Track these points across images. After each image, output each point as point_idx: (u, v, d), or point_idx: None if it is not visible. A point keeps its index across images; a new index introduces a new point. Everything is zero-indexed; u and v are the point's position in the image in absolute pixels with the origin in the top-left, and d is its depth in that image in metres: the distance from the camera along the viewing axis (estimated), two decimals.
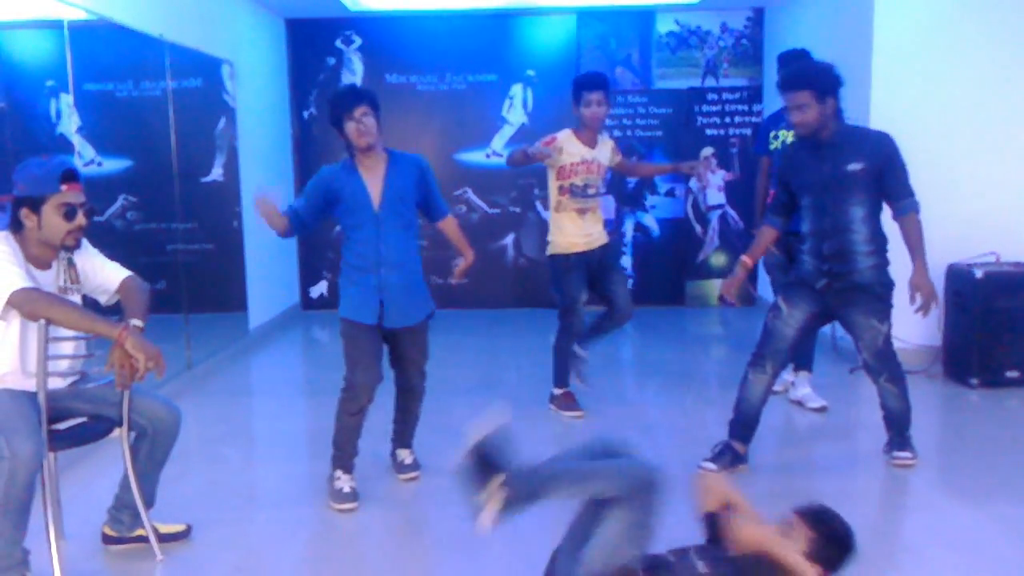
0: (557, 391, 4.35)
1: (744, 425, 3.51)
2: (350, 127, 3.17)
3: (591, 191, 4.14)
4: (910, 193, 3.35)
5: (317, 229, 3.45)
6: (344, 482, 3.28)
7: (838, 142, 3.35)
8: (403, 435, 3.65)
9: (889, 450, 3.57)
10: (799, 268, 3.53)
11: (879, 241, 3.40)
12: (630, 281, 7.33)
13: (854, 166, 3.31)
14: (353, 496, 3.25)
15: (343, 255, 3.38)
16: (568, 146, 4.10)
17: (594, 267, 4.20)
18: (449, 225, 3.54)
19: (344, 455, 3.32)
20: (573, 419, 4.19)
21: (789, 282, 3.58)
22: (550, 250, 4.22)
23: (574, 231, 4.14)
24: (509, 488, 2.16)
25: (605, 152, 4.23)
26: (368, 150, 3.24)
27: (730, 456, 3.47)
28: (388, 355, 3.48)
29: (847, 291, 3.40)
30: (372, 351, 3.28)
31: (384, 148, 3.35)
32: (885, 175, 3.32)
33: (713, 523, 2.24)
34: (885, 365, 3.48)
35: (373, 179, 3.28)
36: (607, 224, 4.66)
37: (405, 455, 3.63)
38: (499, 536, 2.96)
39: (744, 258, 3.53)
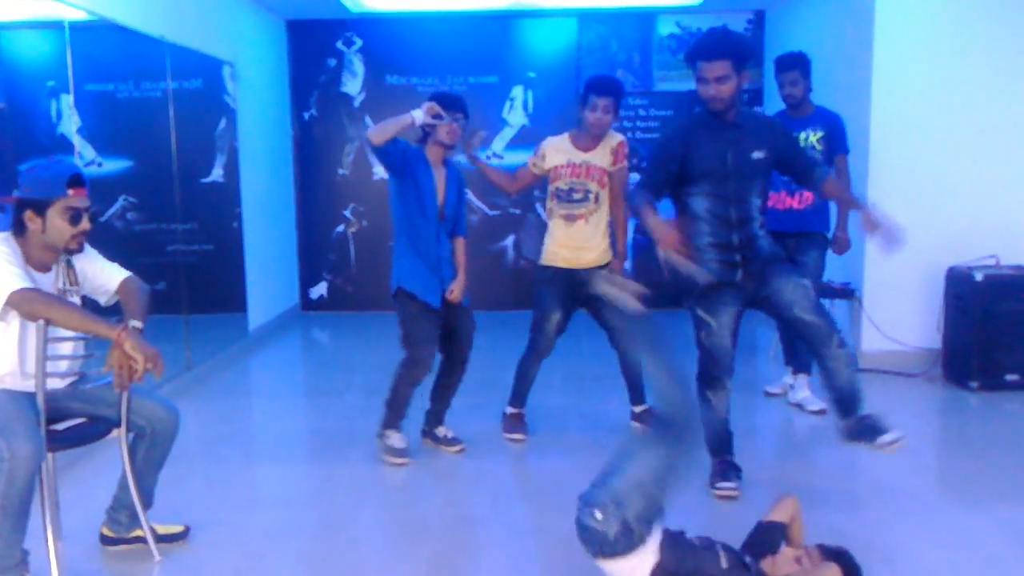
0: (509, 409, 4.10)
1: (725, 440, 3.36)
2: (443, 125, 3.51)
3: (576, 195, 3.82)
4: (819, 163, 3.28)
5: (386, 162, 3.52)
6: (397, 440, 3.68)
7: (742, 124, 3.16)
8: (440, 413, 3.90)
9: (872, 437, 3.05)
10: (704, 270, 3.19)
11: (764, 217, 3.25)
12: None
13: (758, 154, 3.13)
14: (407, 451, 3.67)
15: (404, 232, 3.64)
16: (554, 152, 3.88)
17: (581, 291, 3.82)
18: (458, 244, 3.77)
19: (397, 417, 3.69)
20: (513, 442, 3.97)
21: (700, 292, 3.22)
22: (542, 257, 3.98)
23: (560, 239, 3.88)
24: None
25: (603, 156, 3.86)
26: (447, 149, 3.63)
27: (735, 471, 3.33)
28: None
29: (761, 268, 3.18)
30: (434, 331, 3.66)
31: None
32: (788, 159, 3.21)
33: (763, 534, 2.36)
34: (832, 323, 3.12)
35: (439, 178, 3.63)
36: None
37: (446, 430, 3.88)
38: (501, 535, 2.96)
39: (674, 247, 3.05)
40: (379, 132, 3.37)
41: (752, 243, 3.19)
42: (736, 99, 3.11)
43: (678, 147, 3.19)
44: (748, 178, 3.14)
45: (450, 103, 3.54)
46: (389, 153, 3.45)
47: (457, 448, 3.80)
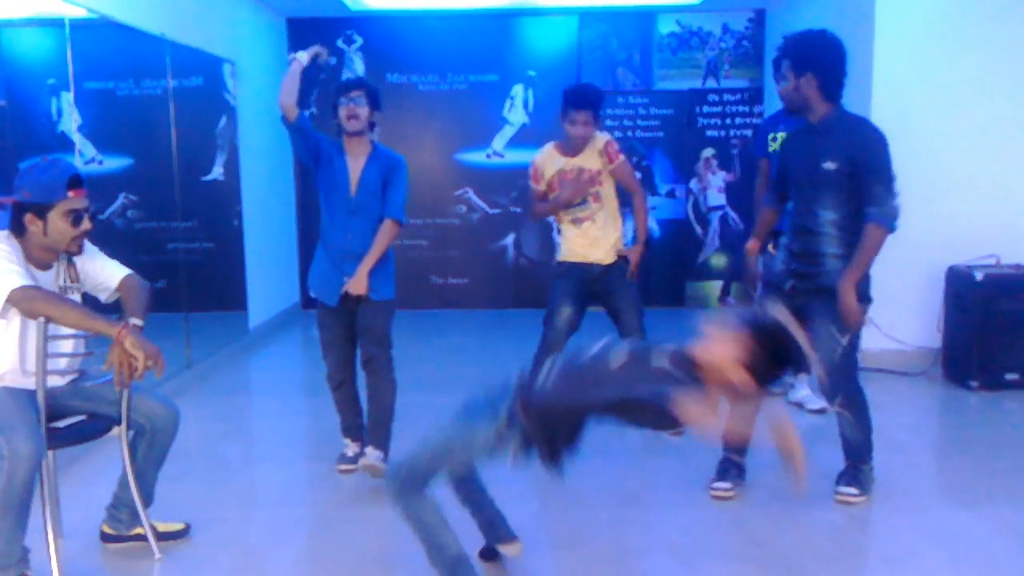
0: None
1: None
2: (342, 109, 3.40)
3: (576, 200, 3.84)
4: (880, 202, 3.00)
5: (300, 147, 3.55)
6: (347, 448, 3.59)
7: (824, 131, 3.08)
8: (371, 427, 3.46)
9: (837, 481, 3.23)
10: (772, 267, 3.36)
11: (850, 244, 3.06)
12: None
13: (830, 164, 3.04)
14: (352, 460, 3.54)
15: (320, 226, 3.54)
16: (547, 164, 3.88)
17: (595, 286, 3.92)
18: (382, 227, 3.38)
19: (344, 423, 3.61)
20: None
21: (766, 284, 3.35)
22: (557, 255, 4.08)
23: (573, 239, 3.91)
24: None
25: (591, 158, 3.84)
26: (353, 135, 3.41)
27: (736, 470, 3.32)
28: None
29: (811, 293, 3.11)
30: (335, 334, 3.50)
31: (372, 143, 3.50)
32: (856, 177, 3.02)
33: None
34: (840, 385, 3.12)
35: (354, 166, 3.44)
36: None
37: (369, 451, 3.42)
38: None
39: (749, 244, 3.47)
40: (282, 93, 3.40)
41: (812, 259, 3.10)
42: (802, 101, 3.12)
43: (785, 146, 3.35)
44: (815, 187, 3.07)
45: (350, 84, 3.48)
46: (299, 131, 3.43)
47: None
